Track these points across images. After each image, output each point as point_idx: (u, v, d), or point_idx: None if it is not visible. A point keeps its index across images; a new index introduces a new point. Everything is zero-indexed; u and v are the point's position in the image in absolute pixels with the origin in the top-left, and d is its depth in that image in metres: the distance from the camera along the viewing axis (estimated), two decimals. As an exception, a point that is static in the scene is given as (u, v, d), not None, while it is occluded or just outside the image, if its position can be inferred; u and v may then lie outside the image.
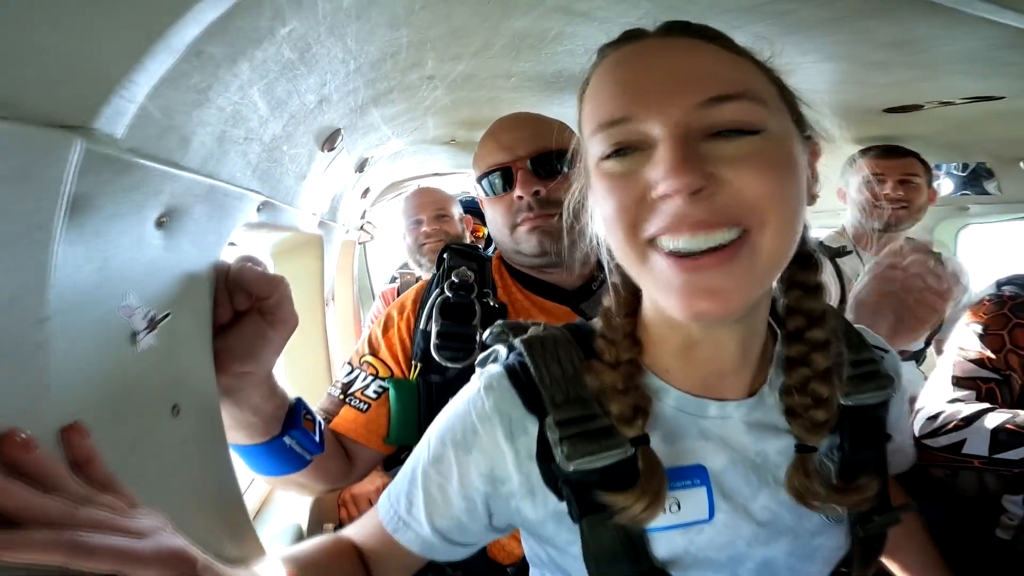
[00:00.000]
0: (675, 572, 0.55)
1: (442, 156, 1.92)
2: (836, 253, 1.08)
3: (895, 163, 1.59)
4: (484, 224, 1.34)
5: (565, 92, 1.14)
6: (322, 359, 1.78)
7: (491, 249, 1.13)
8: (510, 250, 1.04)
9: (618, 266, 0.55)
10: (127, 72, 0.39)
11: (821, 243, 1.37)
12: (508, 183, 0.99)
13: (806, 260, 0.58)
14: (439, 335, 0.95)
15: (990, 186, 1.89)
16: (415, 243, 1.99)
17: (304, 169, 1.00)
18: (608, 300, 0.60)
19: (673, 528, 0.55)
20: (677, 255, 0.46)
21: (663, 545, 0.55)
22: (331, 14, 0.62)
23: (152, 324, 0.53)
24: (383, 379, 0.98)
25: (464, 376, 0.76)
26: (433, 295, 0.99)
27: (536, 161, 0.97)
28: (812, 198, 0.55)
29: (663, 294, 0.48)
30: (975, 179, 1.92)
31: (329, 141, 1.00)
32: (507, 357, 0.61)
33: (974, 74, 1.00)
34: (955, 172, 1.98)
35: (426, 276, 1.27)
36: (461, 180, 2.74)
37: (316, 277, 1.76)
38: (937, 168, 1.89)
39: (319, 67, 0.72)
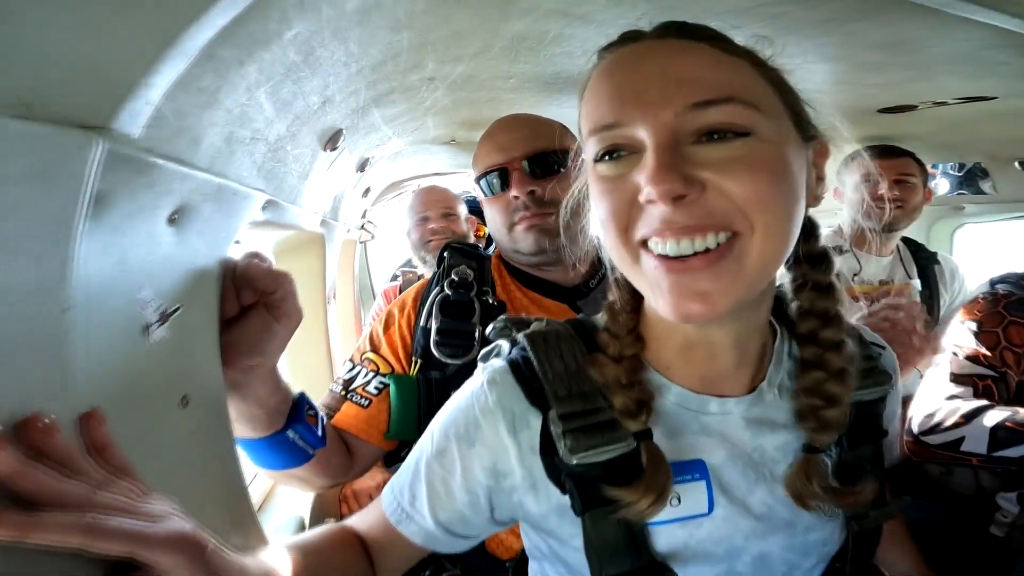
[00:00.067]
0: (674, 565, 0.55)
1: (442, 156, 1.92)
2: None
3: (891, 163, 1.60)
4: (485, 223, 1.35)
5: (563, 93, 1.15)
6: (324, 356, 1.79)
7: (491, 248, 1.14)
8: (508, 249, 1.05)
9: None
10: (144, 75, 0.40)
11: None
12: (505, 183, 1.01)
13: (819, 259, 0.58)
14: (439, 332, 0.96)
15: (985, 186, 1.90)
16: (420, 239, 1.98)
17: (307, 169, 1.01)
18: (612, 295, 0.60)
19: (673, 522, 0.55)
20: (666, 257, 0.47)
21: (663, 538, 0.56)
22: (335, 18, 0.63)
23: (164, 317, 0.55)
24: (384, 375, 1.00)
25: (464, 372, 0.77)
26: (433, 293, 1.01)
27: (532, 161, 0.99)
28: (816, 199, 0.54)
29: (654, 295, 0.49)
30: (970, 179, 1.93)
31: (331, 141, 1.01)
32: (510, 352, 0.61)
33: (966, 75, 1.01)
34: (951, 172, 1.99)
35: (428, 273, 1.28)
36: (461, 180, 2.74)
37: (318, 275, 1.77)
38: (933, 168, 1.90)
39: (322, 69, 0.73)
